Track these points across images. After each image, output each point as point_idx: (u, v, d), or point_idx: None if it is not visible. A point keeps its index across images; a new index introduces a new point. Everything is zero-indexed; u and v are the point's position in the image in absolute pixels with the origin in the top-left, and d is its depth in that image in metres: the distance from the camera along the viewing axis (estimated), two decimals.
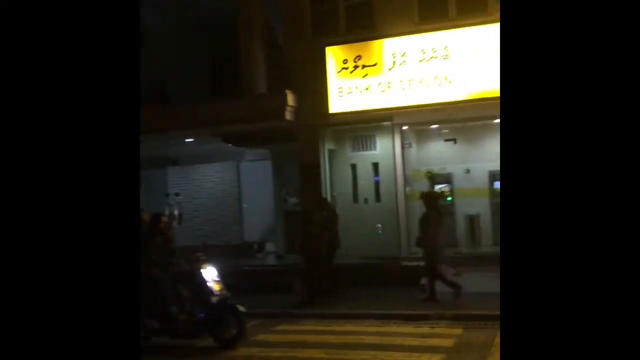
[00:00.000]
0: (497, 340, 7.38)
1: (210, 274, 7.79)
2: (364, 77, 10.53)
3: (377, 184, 12.54)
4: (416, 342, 7.49)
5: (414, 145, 13.31)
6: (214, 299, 7.65)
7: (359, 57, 10.56)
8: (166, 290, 7.80)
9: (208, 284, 7.69)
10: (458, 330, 8.05)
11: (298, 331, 8.56)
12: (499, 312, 8.82)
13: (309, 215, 10.45)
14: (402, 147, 12.25)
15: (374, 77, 10.48)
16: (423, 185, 13.58)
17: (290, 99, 11.25)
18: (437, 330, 8.15)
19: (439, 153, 13.74)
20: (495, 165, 12.96)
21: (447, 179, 13.59)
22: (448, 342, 7.39)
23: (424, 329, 8.26)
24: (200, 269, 7.77)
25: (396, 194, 11.75)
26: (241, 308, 7.62)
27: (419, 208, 13.36)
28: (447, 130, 13.60)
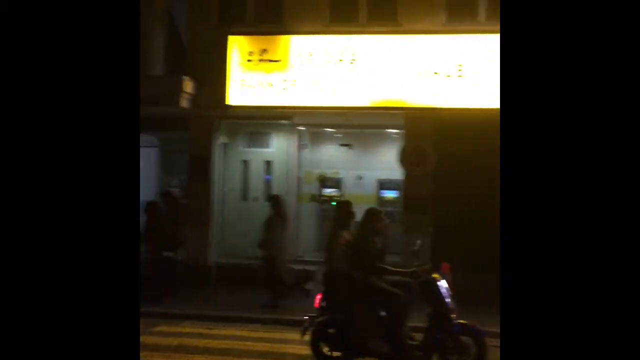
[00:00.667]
0: None
1: (444, 285, 6.38)
2: (268, 71, 10.16)
3: (268, 182, 12.21)
4: (305, 350, 7.25)
5: (308, 146, 13.17)
6: (454, 317, 6.23)
7: (264, 50, 10.17)
8: (407, 307, 6.24)
9: (447, 299, 6.30)
10: None
11: (178, 334, 8.04)
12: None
13: (153, 207, 10.03)
14: (298, 148, 12.05)
15: (278, 73, 10.14)
16: (313, 188, 13.49)
17: (188, 85, 10.63)
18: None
19: (331, 157, 13.69)
20: (385, 174, 13.28)
21: (337, 183, 13.58)
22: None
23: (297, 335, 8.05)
24: (436, 279, 6.34)
25: (290, 194, 11.48)
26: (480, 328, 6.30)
27: (308, 210, 13.29)
28: (341, 135, 13.61)
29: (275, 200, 10.11)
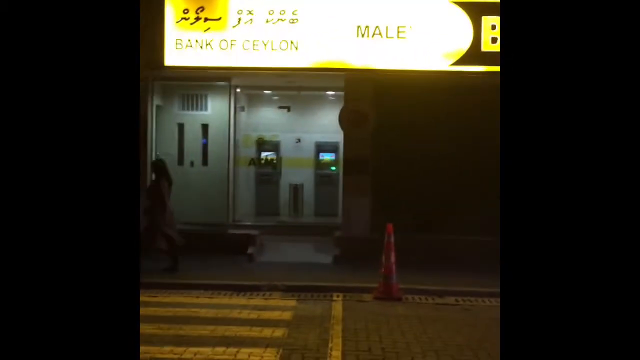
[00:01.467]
0: (334, 312, 7.43)
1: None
2: (205, 30, 9.78)
3: (205, 146, 11.90)
4: (253, 315, 7.21)
5: (246, 109, 12.92)
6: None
7: (201, 8, 9.76)
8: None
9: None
10: (292, 302, 7.94)
11: None
12: (327, 283, 9.01)
13: None
14: (235, 110, 11.79)
15: (216, 33, 9.78)
16: (251, 152, 13.31)
17: None
18: (270, 303, 7.95)
19: (270, 120, 13.55)
20: (323, 136, 13.30)
21: (275, 146, 13.46)
22: (286, 315, 7.22)
23: (258, 301, 8.02)
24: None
25: (228, 158, 11.26)
26: None
27: (246, 173, 13.12)
28: (278, 97, 13.44)
29: (157, 165, 9.80)
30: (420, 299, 8.25)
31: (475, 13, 9.66)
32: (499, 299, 8.28)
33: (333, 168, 13.26)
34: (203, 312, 7.27)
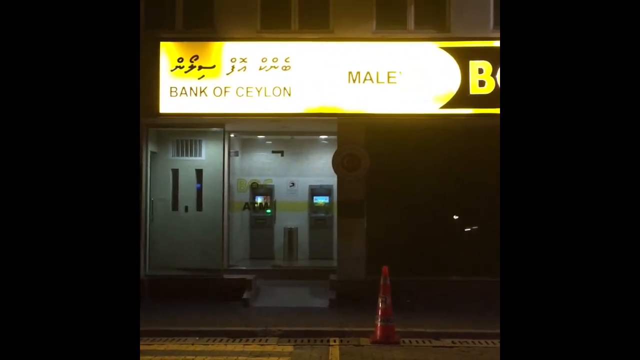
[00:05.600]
0: (332, 358, 7.37)
1: None
2: (199, 78, 9.97)
3: (199, 191, 11.96)
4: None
5: (239, 154, 13.04)
6: None
7: (195, 57, 9.97)
8: None
9: None
10: (289, 348, 7.88)
11: None
12: (323, 328, 8.97)
13: None
14: (229, 155, 11.90)
15: (210, 80, 9.97)
16: (244, 196, 13.37)
17: None
18: (267, 348, 7.88)
19: (263, 164, 13.66)
20: (317, 180, 13.40)
21: (270, 190, 13.53)
22: None
23: (254, 347, 7.95)
24: None
25: (222, 203, 11.30)
26: None
27: (240, 218, 13.15)
28: (271, 142, 13.59)
29: None
30: (417, 342, 8.20)
31: (463, 58, 9.91)
32: (495, 340, 8.28)
33: (327, 212, 13.32)
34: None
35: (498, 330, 8.89)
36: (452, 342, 8.17)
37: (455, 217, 10.97)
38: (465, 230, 10.92)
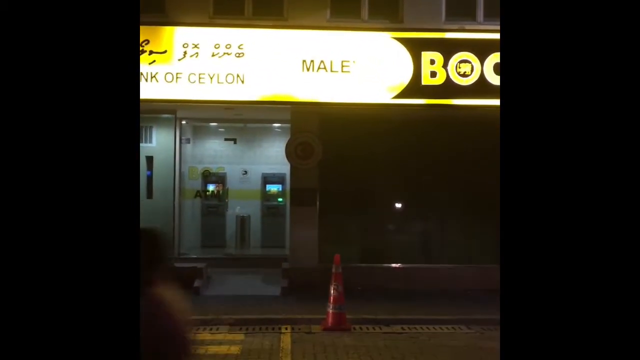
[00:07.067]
0: (283, 345, 7.41)
1: None
2: (150, 63, 9.75)
3: (149, 178, 11.74)
4: (200, 350, 7.08)
5: (191, 141, 12.87)
6: None
7: (146, 41, 9.74)
8: None
9: None
10: (240, 336, 7.89)
11: None
12: (275, 315, 8.99)
13: None
14: (180, 142, 11.74)
15: (161, 65, 9.76)
16: (196, 184, 13.23)
17: None
18: (218, 337, 7.86)
19: (216, 152, 13.53)
20: (270, 168, 13.37)
21: (221, 178, 13.42)
22: (234, 349, 7.18)
23: (205, 335, 7.90)
24: None
25: (174, 191, 11.15)
26: None
27: (192, 206, 13.00)
28: (224, 129, 13.46)
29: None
30: (368, 328, 8.32)
31: (415, 48, 10.02)
32: (444, 326, 8.47)
33: (280, 200, 13.31)
34: None
35: (445, 317, 9.12)
36: (402, 328, 8.32)
37: (398, 205, 11.14)
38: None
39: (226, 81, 9.77)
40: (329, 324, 8.14)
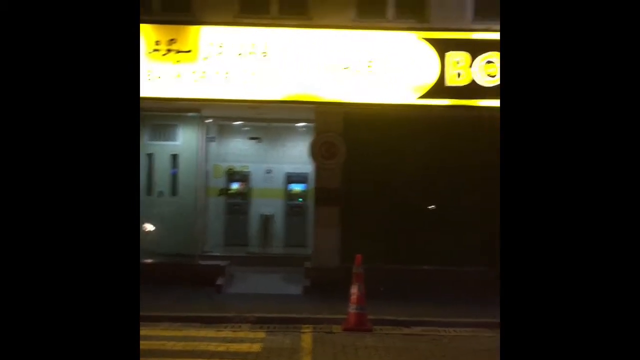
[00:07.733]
0: (303, 344, 7.41)
1: None
2: (176, 62, 9.85)
3: (174, 176, 11.86)
4: (221, 347, 7.15)
5: (216, 139, 12.95)
6: None
7: (173, 40, 9.84)
8: None
9: None
10: (261, 334, 7.90)
11: None
12: (296, 315, 9.02)
13: None
14: (205, 141, 11.82)
15: (187, 64, 9.86)
16: (220, 182, 13.30)
17: None
18: (240, 335, 7.89)
19: (239, 150, 13.58)
20: (293, 167, 13.37)
21: (245, 177, 13.48)
22: (255, 347, 7.18)
23: (226, 333, 7.95)
24: None
25: (197, 188, 11.23)
26: None
27: (215, 204, 13.09)
28: (248, 128, 13.51)
29: None
30: (389, 329, 8.28)
31: (441, 49, 9.94)
32: (463, 329, 8.41)
33: (300, 199, 13.33)
34: (170, 345, 7.18)
35: (468, 319, 9.06)
36: (423, 330, 8.26)
37: (431, 207, 11.05)
38: (428, 207, 11.00)
39: (251, 80, 9.80)
40: (350, 325, 8.12)
